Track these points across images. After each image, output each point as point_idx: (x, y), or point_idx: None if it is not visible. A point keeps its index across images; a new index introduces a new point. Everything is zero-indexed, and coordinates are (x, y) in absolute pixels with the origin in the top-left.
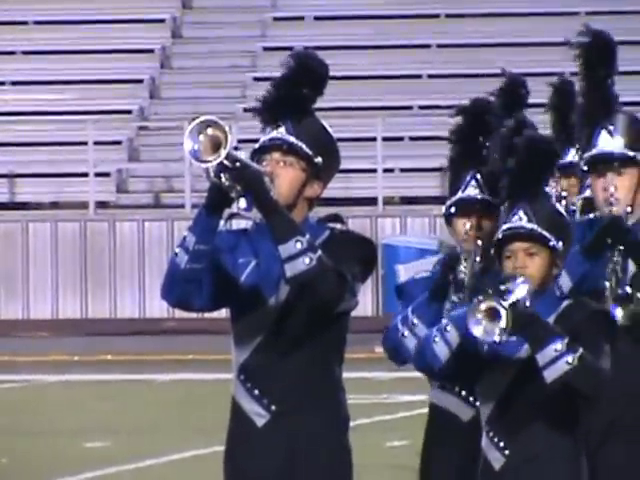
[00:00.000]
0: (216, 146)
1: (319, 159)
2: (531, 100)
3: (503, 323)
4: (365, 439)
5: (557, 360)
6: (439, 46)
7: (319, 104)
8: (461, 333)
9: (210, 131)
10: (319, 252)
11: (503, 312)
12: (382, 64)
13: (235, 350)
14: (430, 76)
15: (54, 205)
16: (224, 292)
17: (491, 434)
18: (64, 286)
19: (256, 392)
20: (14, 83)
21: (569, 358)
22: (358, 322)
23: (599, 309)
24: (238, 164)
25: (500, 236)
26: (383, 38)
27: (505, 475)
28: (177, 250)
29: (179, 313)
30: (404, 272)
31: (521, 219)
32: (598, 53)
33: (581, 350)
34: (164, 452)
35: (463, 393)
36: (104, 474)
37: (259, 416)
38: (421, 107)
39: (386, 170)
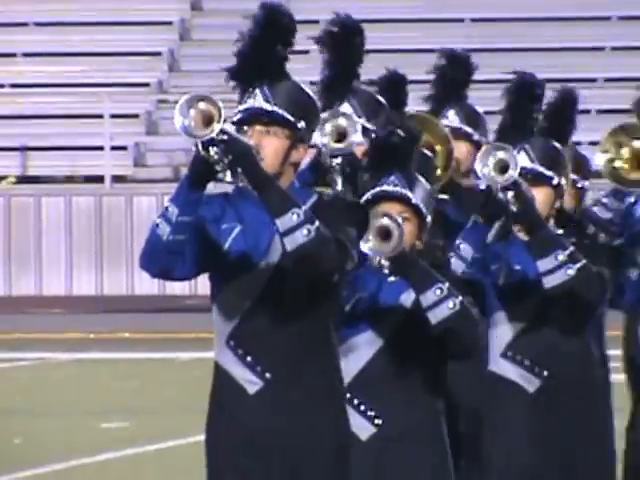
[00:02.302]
0: (208, 120)
1: (302, 123)
2: (567, 75)
3: (394, 243)
4: None
5: (440, 303)
6: (472, 20)
7: None
8: None
9: (202, 105)
10: (317, 222)
11: (396, 232)
12: (414, 38)
13: (220, 318)
14: (463, 50)
15: (69, 179)
16: (207, 260)
17: (356, 402)
18: (78, 262)
19: (249, 359)
20: (26, 54)
21: (450, 303)
22: None
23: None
24: (227, 137)
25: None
26: (415, 12)
27: (373, 443)
28: (158, 221)
29: (202, 290)
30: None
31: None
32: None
33: (460, 297)
34: (185, 433)
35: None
36: (122, 455)
37: (251, 383)
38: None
39: None
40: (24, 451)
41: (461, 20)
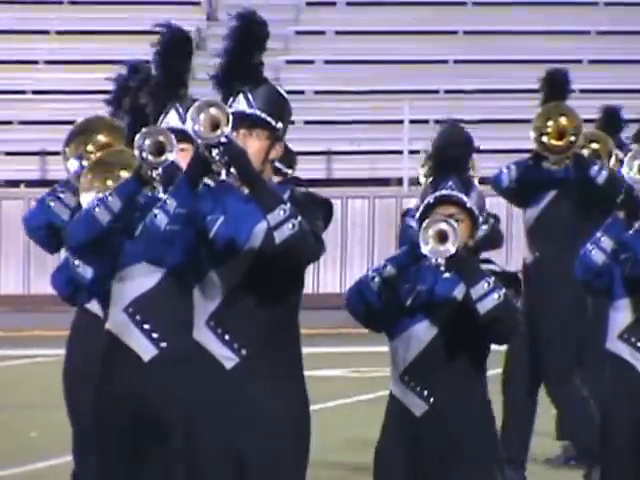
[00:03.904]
0: (214, 125)
1: (280, 124)
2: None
3: (451, 247)
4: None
5: (487, 295)
6: (465, 33)
7: (348, 88)
8: (400, 271)
9: (213, 110)
10: (299, 217)
11: (452, 236)
12: (410, 49)
13: (202, 300)
14: (456, 61)
15: None
16: (195, 248)
17: (412, 382)
18: None
19: (227, 337)
20: (47, 62)
21: (496, 295)
22: None
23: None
24: (226, 140)
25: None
26: (412, 24)
27: (426, 420)
28: (156, 212)
29: None
30: None
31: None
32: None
33: (504, 289)
34: None
35: None
36: None
37: (228, 359)
38: (446, 91)
39: (412, 152)
40: (40, 444)
41: (455, 32)
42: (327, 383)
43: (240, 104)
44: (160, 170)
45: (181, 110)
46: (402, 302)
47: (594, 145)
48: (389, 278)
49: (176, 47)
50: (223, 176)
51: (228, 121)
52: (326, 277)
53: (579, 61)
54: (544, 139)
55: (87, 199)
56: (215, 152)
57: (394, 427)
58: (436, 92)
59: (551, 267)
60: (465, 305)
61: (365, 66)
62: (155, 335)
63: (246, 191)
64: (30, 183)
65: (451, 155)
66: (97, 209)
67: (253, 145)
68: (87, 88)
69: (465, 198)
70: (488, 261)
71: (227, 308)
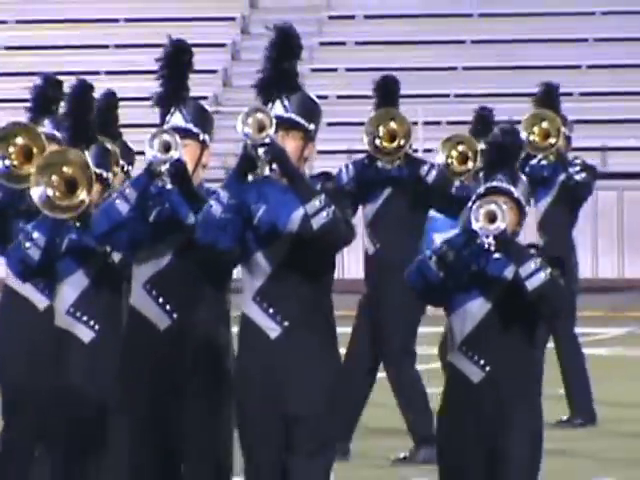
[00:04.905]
0: (261, 127)
1: (312, 126)
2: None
3: (501, 224)
4: None
5: (535, 274)
6: (472, 42)
7: (368, 93)
8: (455, 251)
9: (259, 115)
10: (333, 206)
11: (500, 215)
12: (423, 57)
13: (249, 278)
14: (464, 68)
15: None
16: (242, 234)
17: (470, 352)
18: None
19: (271, 311)
20: (108, 72)
21: (542, 274)
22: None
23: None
24: (270, 141)
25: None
26: (424, 34)
27: (482, 386)
28: (212, 203)
29: None
30: (439, 240)
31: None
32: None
33: (549, 269)
34: None
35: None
36: None
37: (273, 330)
38: (456, 95)
39: (426, 150)
40: None
41: (463, 41)
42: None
43: (277, 109)
44: (168, 165)
45: (184, 111)
46: (458, 280)
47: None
48: (445, 258)
49: (177, 58)
50: (266, 171)
51: (272, 124)
52: (350, 263)
53: (578, 66)
54: (377, 142)
55: (36, 192)
56: (261, 151)
57: (454, 393)
58: (447, 96)
59: (389, 257)
60: (515, 283)
61: (382, 73)
62: (168, 307)
63: (285, 184)
64: None
65: (502, 151)
66: (117, 200)
67: (290, 145)
68: (138, 95)
69: (513, 189)
70: (532, 246)
71: (271, 285)
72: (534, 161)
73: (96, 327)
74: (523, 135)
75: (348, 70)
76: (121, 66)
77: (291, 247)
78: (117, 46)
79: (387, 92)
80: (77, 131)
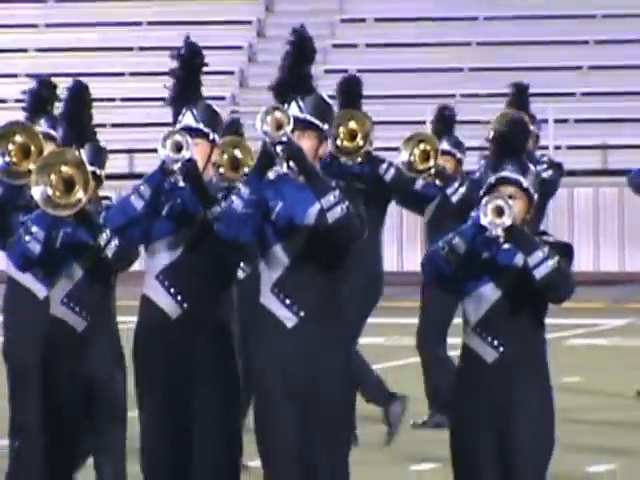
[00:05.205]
0: (279, 125)
1: (326, 126)
2: (560, 90)
3: (507, 219)
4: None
5: (542, 263)
6: (478, 44)
7: (378, 92)
8: (466, 242)
9: (277, 114)
10: (347, 202)
11: (507, 210)
12: (430, 59)
13: (267, 270)
14: (470, 69)
15: None
16: (261, 228)
17: (483, 334)
18: None
19: (287, 301)
20: (132, 74)
21: (550, 262)
22: (406, 277)
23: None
24: (287, 139)
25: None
26: (431, 37)
27: (496, 366)
28: (233, 198)
29: None
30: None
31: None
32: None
33: (557, 257)
34: None
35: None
36: None
37: (289, 320)
38: (462, 95)
39: None
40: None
41: (468, 43)
42: (363, 349)
43: (293, 110)
44: (179, 164)
45: (195, 112)
46: (469, 269)
47: None
48: (457, 247)
49: (190, 60)
50: (284, 168)
51: (289, 123)
52: None
53: (579, 67)
54: (337, 142)
55: (37, 192)
56: (279, 149)
57: (468, 373)
58: (453, 96)
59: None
60: (524, 271)
61: (392, 74)
62: (179, 298)
63: (302, 181)
64: (120, 177)
65: (511, 142)
66: (132, 197)
67: (305, 144)
68: (160, 95)
69: (522, 179)
70: (543, 233)
71: (288, 277)
72: None
73: (88, 317)
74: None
75: (359, 71)
76: (144, 67)
77: (307, 240)
78: (141, 48)
79: (349, 93)
80: (73, 130)
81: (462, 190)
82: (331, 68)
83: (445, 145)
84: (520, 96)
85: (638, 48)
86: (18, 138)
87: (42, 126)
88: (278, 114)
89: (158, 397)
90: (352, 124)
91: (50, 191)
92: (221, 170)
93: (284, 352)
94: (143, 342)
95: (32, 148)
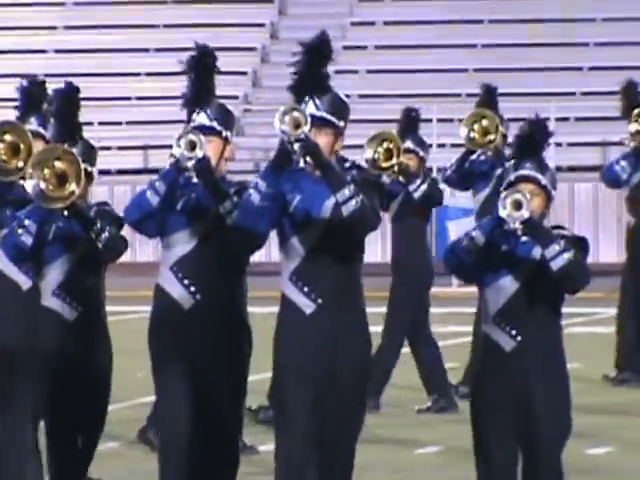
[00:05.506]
0: (296, 124)
1: (342, 123)
2: (561, 90)
3: (525, 212)
4: None
5: (559, 255)
6: (483, 46)
7: (386, 92)
8: (486, 235)
9: (295, 113)
10: (361, 195)
11: (525, 204)
12: (437, 60)
13: (286, 260)
14: (475, 70)
15: None
16: (279, 219)
17: (502, 324)
18: None
19: (306, 289)
20: (148, 74)
21: (566, 254)
22: None
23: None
24: (304, 137)
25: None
26: (438, 39)
27: (514, 354)
28: (251, 191)
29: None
30: (452, 227)
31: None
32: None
33: (573, 250)
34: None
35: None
36: None
37: (307, 307)
38: (468, 95)
39: (439, 145)
40: (145, 383)
41: (474, 45)
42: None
43: (310, 108)
44: (193, 161)
45: (208, 111)
46: (488, 261)
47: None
48: (477, 240)
49: (202, 61)
50: (301, 164)
51: (307, 122)
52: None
53: (580, 68)
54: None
55: (30, 186)
56: (296, 146)
57: (488, 361)
58: (459, 95)
59: None
60: (541, 263)
61: (400, 74)
62: (192, 289)
63: (318, 175)
64: (135, 172)
65: (531, 141)
66: (148, 192)
67: (322, 140)
68: (174, 94)
69: (541, 177)
70: (559, 227)
71: (305, 266)
72: (474, 156)
73: (79, 307)
74: (464, 132)
75: (369, 72)
76: (160, 68)
77: (323, 232)
78: (156, 50)
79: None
80: (65, 129)
81: (424, 187)
82: (341, 69)
83: (409, 144)
84: (489, 96)
85: (635, 50)
86: (7, 137)
87: (32, 124)
88: (296, 114)
89: (173, 383)
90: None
91: (44, 185)
92: None
93: (303, 337)
94: (157, 330)
95: (21, 146)
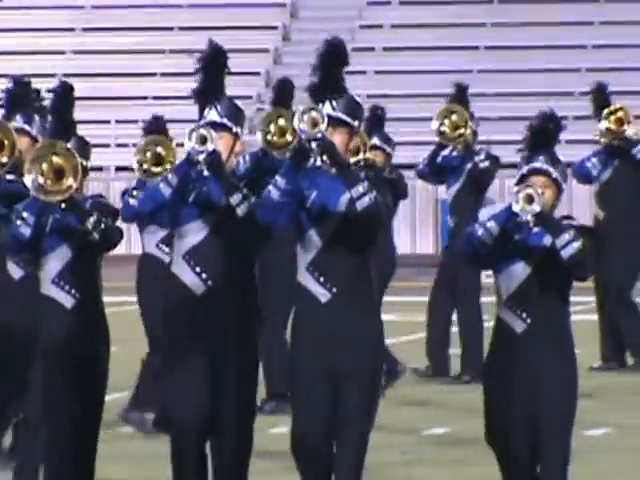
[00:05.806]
0: (314, 124)
1: (356, 123)
2: (560, 90)
3: (536, 207)
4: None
5: (569, 244)
6: (486, 48)
7: (394, 92)
8: (500, 225)
9: (313, 113)
10: (374, 191)
11: (537, 198)
12: (442, 61)
13: (303, 251)
14: (478, 71)
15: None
16: (297, 214)
17: (514, 307)
18: None
19: (321, 279)
20: (163, 74)
21: (575, 243)
22: (423, 258)
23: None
24: (321, 135)
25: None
26: (443, 41)
27: (524, 336)
28: (270, 188)
29: None
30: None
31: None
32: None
33: (581, 239)
34: None
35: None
36: None
37: (323, 295)
38: (471, 95)
39: None
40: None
41: (477, 47)
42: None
43: (327, 109)
44: (204, 155)
45: (219, 108)
46: (501, 249)
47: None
48: (492, 230)
49: (213, 60)
50: (318, 162)
51: (324, 121)
52: None
53: (578, 69)
54: (268, 137)
55: (28, 179)
56: (314, 144)
57: (501, 342)
58: None
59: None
60: (552, 252)
61: (407, 75)
62: (204, 275)
63: (334, 172)
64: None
65: (543, 135)
66: (161, 184)
67: (337, 139)
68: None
69: (552, 170)
70: (569, 217)
71: (322, 257)
72: (446, 152)
73: (77, 295)
74: (435, 125)
75: (377, 73)
76: (175, 68)
77: (339, 225)
78: (172, 51)
79: (281, 92)
80: (60, 125)
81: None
82: (351, 70)
83: (376, 140)
84: (461, 94)
85: (631, 53)
86: None
87: (17, 121)
88: (314, 114)
89: (185, 368)
90: (281, 121)
91: (42, 179)
92: (145, 166)
93: (319, 324)
94: (171, 315)
95: (5, 142)
